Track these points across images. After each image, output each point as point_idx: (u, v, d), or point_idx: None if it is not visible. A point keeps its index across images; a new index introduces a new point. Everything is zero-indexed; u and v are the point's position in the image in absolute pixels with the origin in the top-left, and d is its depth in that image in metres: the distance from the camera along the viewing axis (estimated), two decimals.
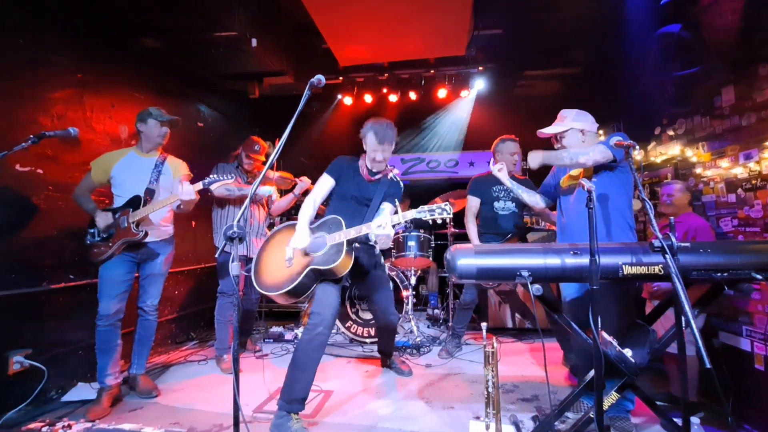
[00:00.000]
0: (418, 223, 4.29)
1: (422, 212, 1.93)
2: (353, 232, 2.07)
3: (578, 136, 2.16)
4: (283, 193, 3.51)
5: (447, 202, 1.90)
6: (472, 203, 3.18)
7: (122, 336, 2.48)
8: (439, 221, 1.92)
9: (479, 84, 4.64)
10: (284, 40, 4.09)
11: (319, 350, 2.09)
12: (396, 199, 2.35)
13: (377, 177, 2.36)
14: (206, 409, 2.37)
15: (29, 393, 2.28)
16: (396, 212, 2.03)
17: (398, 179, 2.46)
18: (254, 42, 3.45)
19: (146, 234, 2.42)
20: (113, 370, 2.41)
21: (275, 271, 2.22)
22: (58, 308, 2.59)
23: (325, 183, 2.36)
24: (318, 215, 2.41)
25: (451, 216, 1.90)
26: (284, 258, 2.19)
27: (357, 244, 2.26)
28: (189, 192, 2.38)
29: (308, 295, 2.21)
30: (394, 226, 1.98)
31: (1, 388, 2.23)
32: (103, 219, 2.41)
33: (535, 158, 2.10)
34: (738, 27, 2.29)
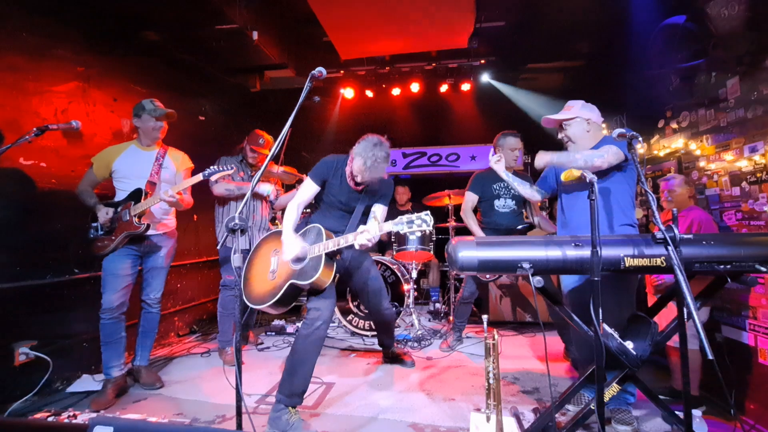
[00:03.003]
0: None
1: (400, 224, 1.77)
2: (331, 245, 1.99)
3: (584, 126, 2.14)
4: (287, 188, 3.51)
5: (427, 212, 1.75)
6: (469, 199, 3.16)
7: (126, 328, 2.50)
8: (418, 234, 1.79)
9: (481, 77, 4.61)
10: (285, 33, 4.07)
11: (317, 344, 2.08)
12: (386, 201, 2.30)
13: (362, 187, 2.25)
14: (209, 400, 2.39)
15: (35, 384, 2.31)
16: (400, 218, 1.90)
17: (388, 179, 2.35)
18: (255, 35, 3.44)
19: (148, 227, 2.43)
20: (118, 362, 2.43)
21: (260, 283, 2.19)
22: (62, 301, 2.62)
23: (309, 188, 2.26)
24: (312, 206, 2.36)
25: (431, 228, 1.75)
26: (268, 270, 2.17)
27: (338, 257, 2.17)
28: (170, 195, 2.37)
29: (296, 302, 2.17)
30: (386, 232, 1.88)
31: (7, 379, 2.27)
32: (104, 213, 2.43)
33: (543, 158, 2.07)
34: (745, 17, 2.26)
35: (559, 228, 2.31)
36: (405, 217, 1.77)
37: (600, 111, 2.21)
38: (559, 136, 2.25)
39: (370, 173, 2.06)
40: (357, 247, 1.90)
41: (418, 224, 1.73)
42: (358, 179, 2.14)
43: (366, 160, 2.03)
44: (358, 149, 2.09)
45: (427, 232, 1.76)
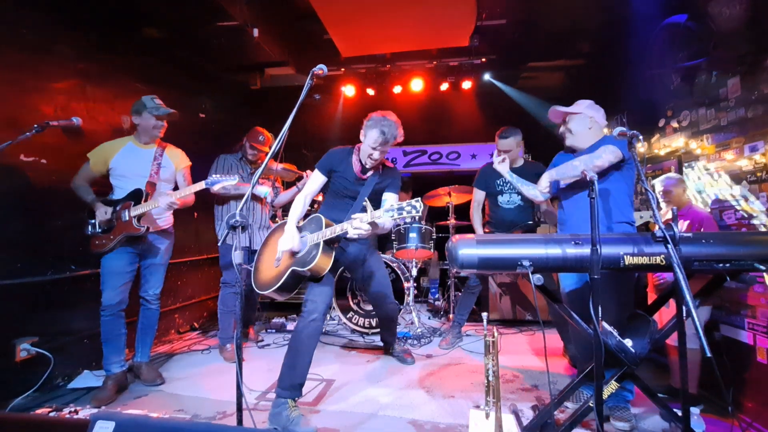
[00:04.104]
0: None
1: (391, 211, 1.80)
2: (329, 233, 2.03)
3: (586, 122, 2.18)
4: (286, 185, 3.51)
5: (418, 198, 1.78)
6: (477, 196, 3.18)
7: (127, 325, 2.50)
8: (408, 220, 1.81)
9: (482, 75, 4.60)
10: (286, 30, 4.06)
11: (314, 337, 2.11)
12: (395, 188, 2.32)
13: (368, 175, 2.29)
14: (209, 396, 2.40)
15: (36, 380, 2.32)
16: (394, 205, 1.89)
17: (393, 167, 2.39)
18: (256, 32, 3.44)
19: (148, 229, 2.43)
20: (118, 358, 2.44)
21: (267, 270, 2.26)
22: (63, 297, 2.62)
23: (316, 179, 2.31)
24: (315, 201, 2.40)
25: (420, 213, 1.77)
26: (274, 257, 2.22)
27: (336, 244, 2.20)
28: (172, 203, 2.41)
29: (300, 288, 2.21)
30: (370, 223, 1.89)
31: (8, 375, 2.27)
32: (102, 212, 2.42)
33: (544, 180, 2.16)
34: (746, 17, 2.26)
35: (558, 225, 2.33)
36: (395, 204, 1.80)
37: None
38: (561, 129, 2.27)
39: (388, 138, 2.15)
40: (352, 235, 1.91)
41: (408, 210, 1.77)
42: (376, 155, 2.17)
43: (383, 129, 2.12)
44: (369, 124, 2.17)
45: (417, 217, 1.76)
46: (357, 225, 1.88)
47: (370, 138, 2.16)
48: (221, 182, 2.50)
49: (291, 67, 4.38)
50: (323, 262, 2.07)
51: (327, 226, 2.09)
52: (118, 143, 2.54)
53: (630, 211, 2.10)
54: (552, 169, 2.17)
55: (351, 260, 2.44)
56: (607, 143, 2.05)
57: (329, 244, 2.11)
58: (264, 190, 3.09)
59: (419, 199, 1.77)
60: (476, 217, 3.16)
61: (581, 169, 1.99)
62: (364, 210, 1.90)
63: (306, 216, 2.37)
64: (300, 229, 2.22)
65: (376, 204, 2.29)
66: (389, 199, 2.30)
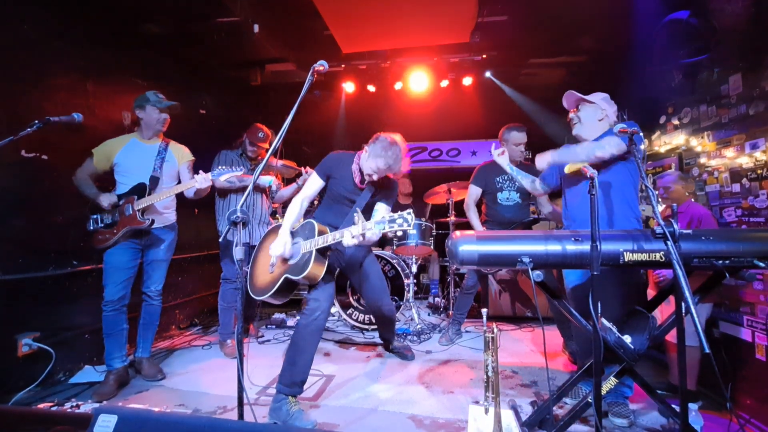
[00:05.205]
0: (420, 212, 4.30)
1: (382, 223, 1.78)
2: (321, 241, 2.02)
3: (598, 114, 2.16)
4: (286, 181, 3.51)
5: (409, 211, 1.74)
6: (473, 192, 3.18)
7: (128, 320, 2.51)
8: (399, 234, 1.79)
9: (483, 72, 4.59)
10: (286, 26, 4.04)
11: (316, 334, 2.12)
12: (389, 201, 2.31)
13: (366, 184, 2.27)
14: (210, 391, 2.41)
15: (38, 375, 2.33)
16: (396, 215, 1.85)
17: (392, 178, 2.34)
18: (256, 28, 3.42)
19: (152, 222, 2.44)
20: (120, 354, 2.46)
21: (262, 276, 2.25)
22: (64, 293, 2.63)
23: (314, 183, 2.29)
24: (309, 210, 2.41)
25: (411, 226, 1.75)
26: (269, 263, 2.21)
27: (329, 252, 2.19)
28: (205, 180, 2.42)
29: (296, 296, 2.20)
30: (363, 235, 1.86)
31: (10, 369, 2.29)
32: (107, 200, 2.42)
33: (543, 159, 2.10)
34: (748, 14, 2.25)
35: (563, 220, 2.33)
36: (387, 216, 1.79)
37: None
38: (570, 115, 2.26)
39: (392, 172, 2.13)
40: (345, 244, 1.91)
41: (399, 223, 1.74)
42: (375, 177, 2.16)
43: (387, 160, 2.07)
44: (375, 150, 2.10)
45: (409, 231, 1.73)
46: (348, 237, 1.89)
47: (373, 164, 2.10)
48: (225, 173, 2.49)
49: (291, 64, 4.37)
50: (316, 270, 2.05)
51: (320, 232, 2.07)
52: (121, 140, 2.55)
53: (636, 206, 2.08)
54: (554, 151, 2.10)
55: (347, 263, 2.45)
56: (610, 136, 2.03)
57: (321, 252, 2.10)
58: (268, 179, 3.10)
59: (410, 211, 1.75)
60: (472, 213, 3.16)
61: (582, 158, 1.97)
62: (367, 219, 1.89)
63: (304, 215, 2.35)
64: (293, 234, 2.19)
65: (370, 210, 2.28)
66: (380, 209, 2.27)
